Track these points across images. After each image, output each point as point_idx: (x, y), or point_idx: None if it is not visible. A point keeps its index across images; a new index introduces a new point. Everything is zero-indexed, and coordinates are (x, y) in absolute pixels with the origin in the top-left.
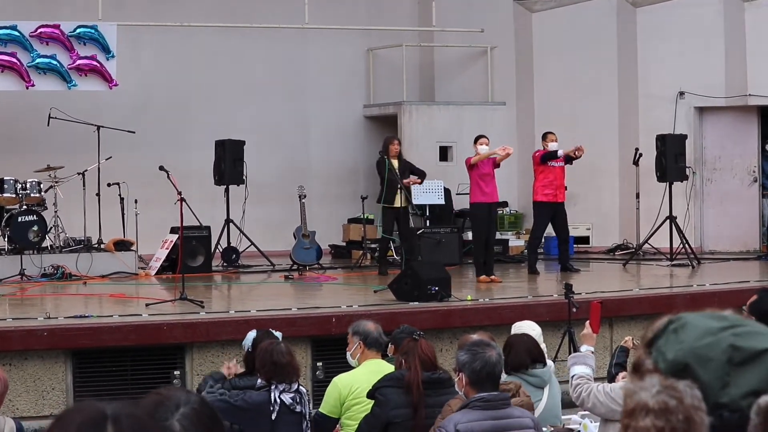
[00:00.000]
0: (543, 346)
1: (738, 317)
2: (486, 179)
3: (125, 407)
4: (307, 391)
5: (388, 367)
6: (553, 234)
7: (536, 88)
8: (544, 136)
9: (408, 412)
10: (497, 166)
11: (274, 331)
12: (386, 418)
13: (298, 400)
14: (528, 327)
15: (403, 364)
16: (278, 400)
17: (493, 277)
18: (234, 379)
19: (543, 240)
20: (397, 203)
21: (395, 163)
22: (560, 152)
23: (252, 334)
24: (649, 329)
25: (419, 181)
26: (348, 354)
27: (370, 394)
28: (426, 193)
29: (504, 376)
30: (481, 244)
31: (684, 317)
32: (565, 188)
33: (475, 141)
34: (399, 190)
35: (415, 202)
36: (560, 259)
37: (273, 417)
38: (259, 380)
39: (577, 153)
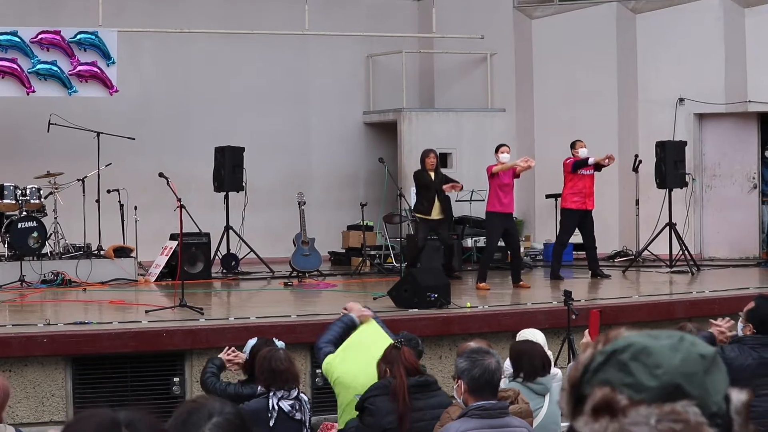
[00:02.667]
0: (549, 353)
1: (665, 330)
2: (505, 189)
3: (137, 413)
4: (308, 398)
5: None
6: (554, 241)
7: (536, 95)
8: (573, 144)
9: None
10: (517, 176)
11: (276, 341)
12: (380, 427)
13: (297, 407)
14: (532, 335)
15: (387, 373)
16: (276, 407)
17: (522, 282)
18: (236, 385)
19: (543, 246)
20: (434, 215)
21: (432, 175)
22: (591, 160)
23: (252, 342)
24: (575, 369)
25: (459, 185)
26: None
27: (359, 406)
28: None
29: (505, 382)
30: (492, 253)
31: (631, 343)
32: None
33: (497, 150)
34: (437, 202)
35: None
36: (590, 266)
37: (271, 424)
38: (259, 387)
39: (608, 162)
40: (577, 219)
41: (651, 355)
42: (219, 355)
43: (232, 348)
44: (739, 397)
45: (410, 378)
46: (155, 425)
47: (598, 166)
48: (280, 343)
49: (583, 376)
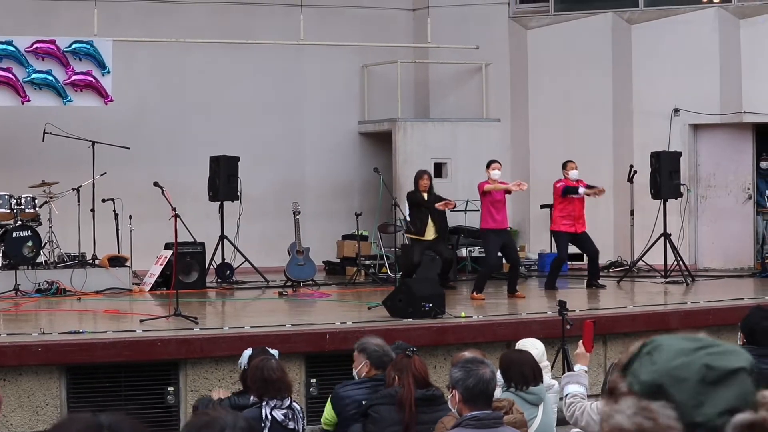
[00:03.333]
0: (545, 364)
1: (712, 339)
2: (497, 206)
3: (119, 417)
4: (301, 408)
5: None
6: (548, 251)
7: (531, 105)
8: (564, 165)
9: (401, 430)
10: (508, 192)
11: (270, 349)
12: None
13: (290, 416)
14: (531, 345)
15: (395, 381)
16: (270, 417)
17: (517, 293)
18: (232, 398)
19: (537, 257)
20: (428, 235)
21: (425, 196)
22: (581, 190)
23: (248, 353)
24: (624, 354)
25: (452, 203)
26: (354, 372)
27: (363, 412)
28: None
29: (499, 392)
30: (490, 269)
31: (658, 340)
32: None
33: (488, 166)
34: (430, 222)
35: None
36: (589, 275)
37: None
38: (252, 397)
39: (596, 195)
40: (568, 238)
41: (659, 353)
42: (211, 393)
43: (223, 390)
44: (741, 417)
45: (418, 390)
46: (138, 428)
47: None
48: (274, 352)
49: (626, 364)
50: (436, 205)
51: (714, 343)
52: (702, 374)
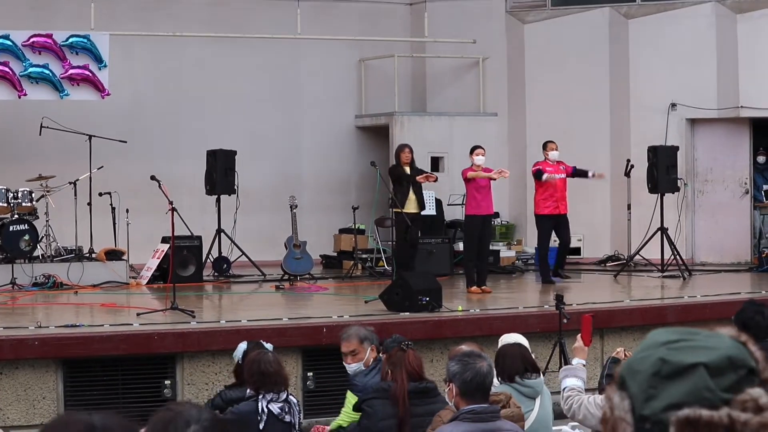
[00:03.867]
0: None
1: (701, 333)
2: (482, 192)
3: (113, 418)
4: (298, 401)
5: None
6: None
7: (528, 99)
8: (545, 146)
9: (395, 423)
10: (493, 179)
11: (264, 343)
12: (375, 430)
13: (287, 409)
14: (516, 339)
15: (389, 375)
16: (266, 410)
17: (484, 288)
18: (224, 392)
19: (535, 251)
20: (409, 208)
21: (407, 169)
22: (545, 177)
23: (243, 346)
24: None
25: (433, 176)
26: (357, 365)
27: (357, 407)
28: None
29: (497, 384)
30: (473, 256)
31: (652, 332)
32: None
33: (471, 151)
34: (411, 195)
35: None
36: (555, 264)
37: (261, 426)
38: (248, 390)
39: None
40: (551, 223)
41: (639, 345)
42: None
43: None
44: (684, 411)
45: (411, 383)
46: (130, 428)
47: (579, 172)
48: (268, 346)
49: None
50: (417, 177)
51: (690, 338)
52: (656, 368)
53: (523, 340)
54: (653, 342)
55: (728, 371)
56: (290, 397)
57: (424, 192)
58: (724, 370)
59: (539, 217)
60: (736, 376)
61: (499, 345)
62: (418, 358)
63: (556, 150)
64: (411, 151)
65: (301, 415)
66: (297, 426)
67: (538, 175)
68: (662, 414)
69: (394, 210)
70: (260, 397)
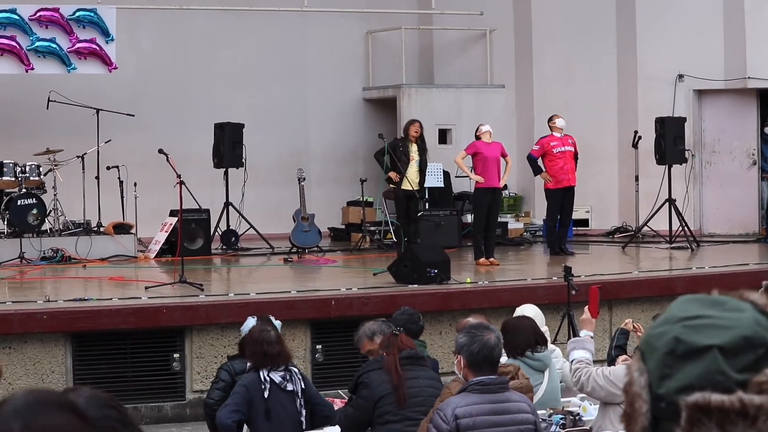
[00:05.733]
0: (545, 328)
1: (722, 304)
2: (488, 164)
3: (93, 392)
4: (305, 373)
5: None
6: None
7: (535, 71)
8: (550, 119)
9: (391, 388)
10: (504, 155)
11: (273, 319)
12: (377, 395)
13: (288, 378)
14: (529, 311)
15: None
16: (268, 379)
17: (492, 259)
18: (230, 363)
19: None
20: (405, 185)
21: (414, 146)
22: (539, 176)
23: (251, 321)
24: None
25: (396, 177)
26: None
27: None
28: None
29: (505, 358)
30: (481, 228)
31: (675, 301)
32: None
33: (477, 130)
34: (410, 171)
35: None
36: (558, 241)
37: (266, 395)
38: (248, 363)
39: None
40: (560, 198)
41: (660, 316)
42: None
43: None
44: (694, 396)
45: (401, 351)
46: (112, 404)
47: (535, 168)
48: (277, 323)
49: None
50: (390, 173)
51: (709, 314)
52: (670, 346)
53: (537, 312)
54: (672, 316)
55: (745, 351)
56: (291, 367)
57: (432, 164)
58: (739, 351)
59: (548, 191)
60: (754, 355)
61: (514, 314)
62: (411, 341)
63: (561, 118)
64: (421, 127)
65: (303, 383)
66: (300, 394)
67: (530, 160)
68: (676, 395)
69: (391, 186)
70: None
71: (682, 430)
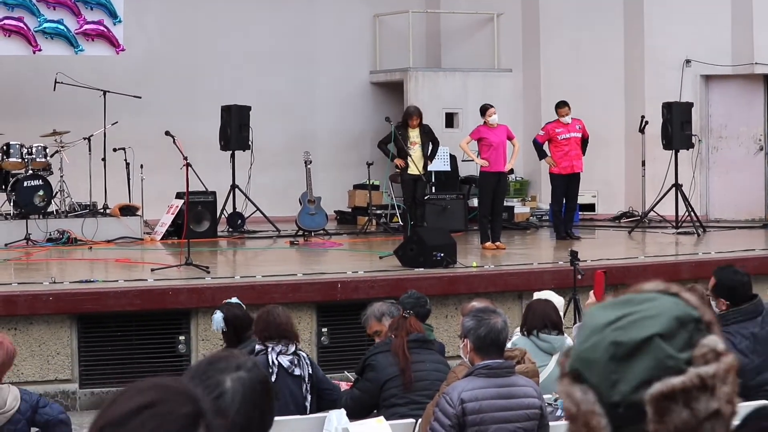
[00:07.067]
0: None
1: (636, 301)
2: (493, 148)
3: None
4: (309, 355)
5: None
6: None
7: (542, 56)
8: (557, 106)
9: (398, 371)
10: (510, 138)
11: (233, 300)
12: (383, 378)
13: (296, 362)
14: (550, 297)
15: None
16: (276, 362)
17: (498, 243)
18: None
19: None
20: (411, 170)
21: (415, 132)
22: (544, 160)
23: (219, 315)
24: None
25: (403, 163)
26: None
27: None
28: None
29: (514, 339)
30: (487, 212)
31: (585, 315)
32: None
33: (483, 112)
34: (412, 157)
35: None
36: (564, 226)
37: (273, 379)
38: (257, 345)
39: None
40: (564, 184)
41: (580, 332)
42: None
43: None
44: (656, 387)
45: (409, 335)
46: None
47: (540, 152)
48: (234, 299)
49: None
50: (396, 160)
51: (630, 312)
52: (611, 352)
53: (556, 299)
54: (595, 326)
55: (679, 331)
56: (299, 351)
57: (440, 148)
58: (675, 332)
59: (553, 176)
60: (687, 332)
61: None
62: (419, 324)
63: (569, 111)
64: (420, 117)
65: (310, 368)
66: (306, 379)
67: (536, 145)
68: (633, 395)
69: (397, 170)
70: (269, 349)
71: (653, 423)
